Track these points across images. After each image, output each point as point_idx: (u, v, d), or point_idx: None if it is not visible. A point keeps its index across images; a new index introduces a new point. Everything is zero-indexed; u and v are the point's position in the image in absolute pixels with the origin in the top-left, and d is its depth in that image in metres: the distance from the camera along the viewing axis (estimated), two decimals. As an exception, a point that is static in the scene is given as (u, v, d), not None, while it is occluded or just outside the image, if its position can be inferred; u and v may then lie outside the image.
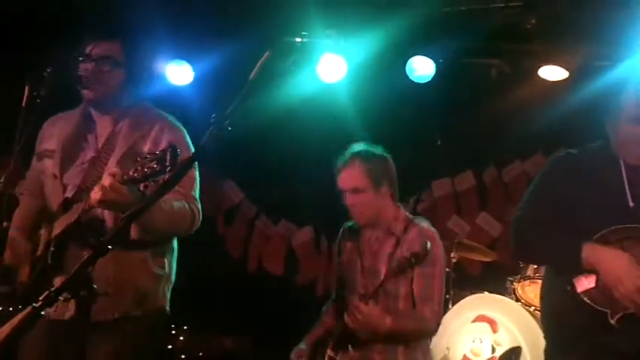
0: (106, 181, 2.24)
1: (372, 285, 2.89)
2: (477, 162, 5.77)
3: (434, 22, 4.57)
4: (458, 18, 4.50)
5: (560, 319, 2.61)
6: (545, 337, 2.72)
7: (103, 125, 2.67)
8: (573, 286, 2.48)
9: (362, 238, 3.06)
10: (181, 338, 5.15)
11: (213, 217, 6.15)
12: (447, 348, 4.02)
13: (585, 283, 2.46)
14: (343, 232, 3.19)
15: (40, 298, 1.59)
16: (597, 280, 2.44)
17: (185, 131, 2.73)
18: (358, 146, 3.02)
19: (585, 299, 2.44)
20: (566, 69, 4.68)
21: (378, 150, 3.04)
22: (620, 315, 2.37)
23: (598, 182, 2.56)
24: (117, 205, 2.28)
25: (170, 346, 5.16)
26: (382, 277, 2.85)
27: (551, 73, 4.73)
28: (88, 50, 2.57)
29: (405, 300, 2.89)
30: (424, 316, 2.87)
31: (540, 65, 4.73)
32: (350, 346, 2.89)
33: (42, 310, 1.58)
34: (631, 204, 2.50)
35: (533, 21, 4.51)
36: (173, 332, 5.17)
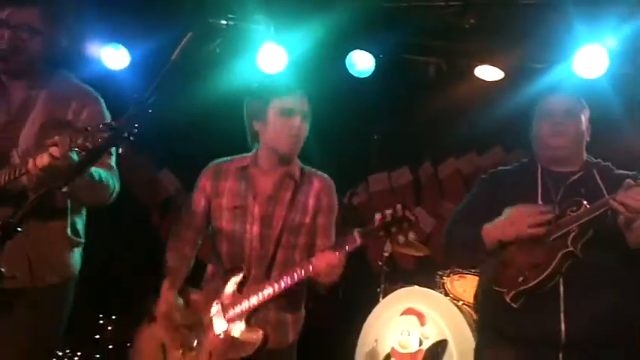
0: (55, 150, 2.20)
1: (273, 237, 2.70)
2: (414, 158, 5.85)
3: (375, 17, 4.59)
4: (399, 14, 4.54)
5: (482, 313, 2.77)
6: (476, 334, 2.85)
7: (16, 90, 2.60)
8: (484, 274, 2.60)
9: (253, 181, 2.78)
10: (109, 328, 5.05)
11: (149, 208, 6.04)
12: (376, 340, 4.06)
13: (488, 266, 2.57)
14: (219, 171, 2.84)
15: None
16: (496, 261, 2.53)
17: (103, 102, 2.69)
18: None
19: (489, 284, 2.55)
20: (502, 69, 4.77)
21: None
22: (514, 292, 2.44)
23: (515, 188, 2.67)
24: (58, 174, 2.23)
25: (98, 336, 5.06)
26: (279, 228, 2.70)
27: (487, 73, 4.81)
28: (3, 16, 2.48)
29: (301, 252, 2.75)
30: None
31: (477, 65, 4.81)
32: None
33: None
34: (539, 203, 2.60)
35: (472, 21, 4.58)
36: (101, 322, 5.06)
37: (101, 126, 2.14)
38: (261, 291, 2.58)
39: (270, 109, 2.71)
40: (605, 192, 2.52)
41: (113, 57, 4.75)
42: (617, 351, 2.48)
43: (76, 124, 2.50)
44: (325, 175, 2.83)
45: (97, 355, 4.94)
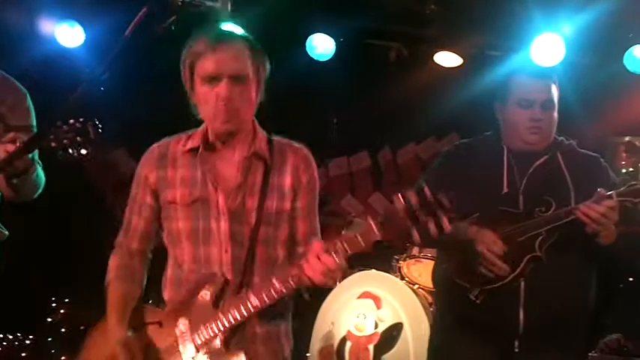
0: (10, 147, 2.17)
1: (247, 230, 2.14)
2: (373, 143, 5.86)
3: (337, 0, 4.58)
4: (361, -2, 4.54)
5: (439, 300, 2.79)
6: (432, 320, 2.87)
7: None
8: (446, 265, 2.60)
9: (210, 165, 2.17)
10: (62, 311, 4.96)
11: (103, 188, 5.94)
12: (332, 323, 4.08)
13: (453, 258, 2.57)
14: (164, 156, 2.23)
15: None
16: (462, 256, 2.52)
17: (27, 94, 2.63)
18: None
19: (452, 276, 2.55)
20: (461, 56, 4.81)
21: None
22: (478, 290, 2.47)
23: (480, 170, 2.62)
24: (16, 171, 2.23)
25: (50, 319, 4.97)
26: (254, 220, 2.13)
27: (446, 59, 4.85)
28: None
29: (284, 246, 2.20)
30: None
31: (436, 51, 4.84)
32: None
33: None
34: (505, 190, 2.57)
35: (432, 7, 4.61)
36: (54, 305, 4.98)
37: (64, 127, 2.11)
38: (243, 303, 2.02)
39: (196, 77, 2.08)
40: (568, 180, 2.55)
41: (67, 34, 4.63)
42: (574, 337, 2.58)
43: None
44: (300, 145, 2.24)
45: (49, 339, 4.86)
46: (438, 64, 4.88)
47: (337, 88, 5.23)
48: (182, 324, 2.10)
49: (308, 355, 4.14)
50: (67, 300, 5.03)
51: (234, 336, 2.08)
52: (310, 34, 4.75)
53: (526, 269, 2.45)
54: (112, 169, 5.94)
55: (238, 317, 2.03)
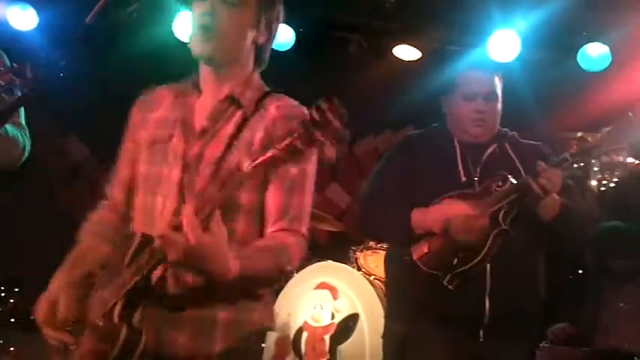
0: None
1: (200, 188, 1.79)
2: (331, 134, 5.84)
3: (297, -9, 4.55)
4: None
5: (400, 290, 2.70)
6: (387, 310, 2.82)
7: None
8: (411, 256, 2.55)
9: (189, 107, 1.93)
10: (12, 301, 4.86)
11: (54, 174, 5.81)
12: (289, 313, 4.09)
13: (420, 250, 2.54)
14: (151, 98, 2.03)
15: None
16: (430, 245, 2.52)
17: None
18: None
19: (420, 265, 2.52)
20: (420, 50, 4.85)
21: None
22: (451, 275, 2.44)
23: (434, 160, 2.65)
24: None
25: (0, 309, 4.87)
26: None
27: (406, 52, 4.88)
28: None
29: (246, 218, 1.81)
30: (286, 242, 1.79)
31: (396, 44, 4.86)
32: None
33: None
34: (463, 178, 2.61)
35: (393, 0, 4.62)
36: (3, 295, 4.87)
37: (2, 68, 2.00)
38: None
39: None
40: (519, 166, 2.60)
41: (20, 17, 4.51)
42: (530, 325, 2.63)
43: None
44: (292, 101, 1.91)
45: (-2, 329, 4.76)
46: (398, 58, 4.91)
47: (296, 78, 5.21)
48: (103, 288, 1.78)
49: (264, 345, 4.14)
50: (16, 290, 4.93)
51: (138, 309, 1.70)
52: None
53: (494, 245, 2.44)
54: (63, 156, 5.82)
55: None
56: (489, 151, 2.67)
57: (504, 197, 2.45)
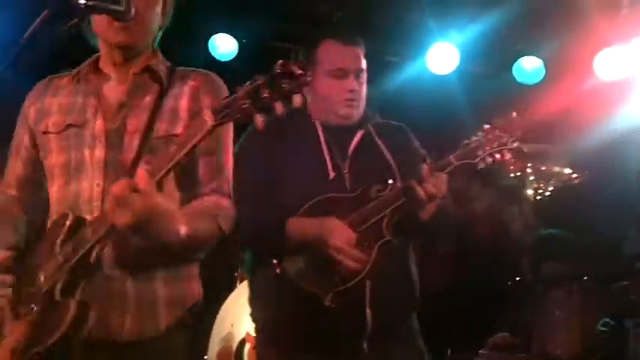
0: None
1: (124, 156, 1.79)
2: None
3: (239, 1, 4.56)
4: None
5: (270, 308, 2.35)
6: (257, 334, 2.45)
7: None
8: (282, 270, 2.21)
9: (95, 88, 1.90)
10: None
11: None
12: (232, 325, 4.06)
13: (297, 266, 2.21)
14: (47, 86, 1.96)
15: None
16: (307, 260, 2.22)
17: None
18: None
19: (298, 283, 2.20)
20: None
21: None
22: (332, 294, 2.15)
23: (298, 153, 2.34)
24: None
25: None
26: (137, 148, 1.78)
27: (348, 64, 4.93)
28: None
29: (175, 179, 1.83)
30: (221, 204, 1.84)
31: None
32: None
33: None
34: (332, 174, 2.32)
35: (331, 10, 4.68)
36: None
37: None
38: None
39: None
40: (386, 153, 2.40)
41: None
42: (411, 330, 2.42)
43: None
44: (212, 73, 1.96)
45: None
46: (340, 69, 4.95)
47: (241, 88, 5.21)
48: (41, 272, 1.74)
49: (206, 357, 4.11)
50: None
51: (80, 282, 1.68)
52: (213, 34, 4.71)
53: (378, 258, 2.18)
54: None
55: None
56: (356, 139, 2.40)
57: (386, 206, 2.21)
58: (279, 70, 1.46)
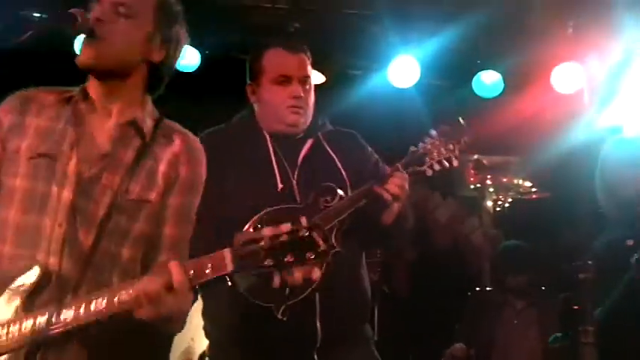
0: None
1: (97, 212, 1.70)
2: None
3: (203, 14, 4.55)
4: (227, 11, 4.54)
5: (222, 321, 2.38)
6: (209, 343, 2.47)
7: None
8: (232, 284, 2.14)
9: (80, 119, 1.77)
10: None
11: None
12: (192, 339, 4.01)
13: (246, 277, 2.13)
14: (28, 101, 1.80)
15: None
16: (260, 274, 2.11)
17: None
18: None
19: (248, 296, 2.15)
20: (323, 74, 4.94)
21: None
22: (284, 307, 2.12)
23: (245, 164, 2.32)
24: None
25: None
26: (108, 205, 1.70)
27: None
28: None
29: (135, 244, 1.75)
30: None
31: (300, 67, 4.93)
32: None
33: None
34: (280, 186, 2.30)
35: (296, 25, 4.70)
36: None
37: None
38: (67, 309, 1.56)
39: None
40: (337, 162, 2.37)
41: None
42: (361, 337, 2.41)
43: None
44: (194, 137, 1.88)
45: None
46: (302, 81, 4.97)
47: (201, 101, 5.19)
48: None
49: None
50: None
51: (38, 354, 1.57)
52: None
53: (328, 268, 2.04)
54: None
55: (52, 326, 1.54)
56: (306, 148, 2.37)
57: (337, 215, 2.17)
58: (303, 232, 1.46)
